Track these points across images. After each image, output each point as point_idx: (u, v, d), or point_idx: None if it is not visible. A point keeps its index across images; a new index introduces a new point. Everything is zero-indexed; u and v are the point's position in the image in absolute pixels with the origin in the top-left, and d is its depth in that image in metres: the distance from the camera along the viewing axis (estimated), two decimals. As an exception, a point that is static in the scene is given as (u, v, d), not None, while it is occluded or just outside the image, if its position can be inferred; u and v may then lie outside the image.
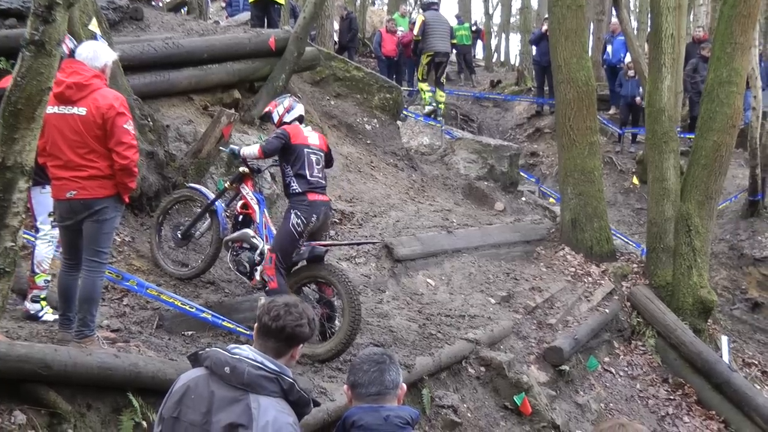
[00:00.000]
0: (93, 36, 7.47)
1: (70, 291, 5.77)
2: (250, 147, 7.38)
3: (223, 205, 7.76)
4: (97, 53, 5.71)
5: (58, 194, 5.58)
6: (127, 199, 5.83)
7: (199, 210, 7.78)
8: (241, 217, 7.46)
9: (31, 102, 3.89)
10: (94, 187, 5.51)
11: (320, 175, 7.18)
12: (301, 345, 3.25)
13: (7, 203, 3.93)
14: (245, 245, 7.32)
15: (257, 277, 7.17)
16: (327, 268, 7.07)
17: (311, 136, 7.25)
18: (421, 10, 18.27)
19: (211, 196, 7.66)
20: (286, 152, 7.02)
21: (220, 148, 8.60)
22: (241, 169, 7.49)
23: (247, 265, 7.24)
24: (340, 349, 6.87)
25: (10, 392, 4.81)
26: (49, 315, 6.31)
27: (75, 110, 5.46)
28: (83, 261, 5.65)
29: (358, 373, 3.20)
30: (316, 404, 3.30)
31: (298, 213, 6.92)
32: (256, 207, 7.37)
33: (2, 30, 9.26)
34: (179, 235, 7.73)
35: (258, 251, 7.21)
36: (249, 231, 7.31)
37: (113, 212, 5.67)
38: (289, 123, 7.25)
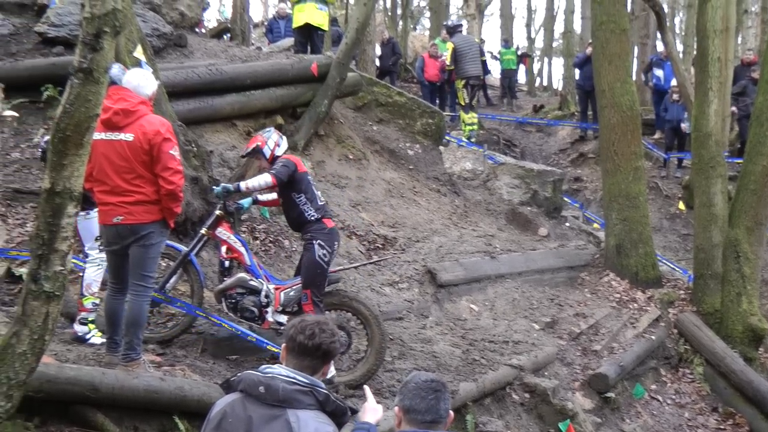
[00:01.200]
0: (138, 63, 7.58)
1: (116, 315, 5.82)
2: (255, 178, 6.87)
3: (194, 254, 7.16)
4: (146, 81, 5.81)
5: (105, 219, 5.65)
6: (172, 224, 5.89)
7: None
8: (227, 262, 7.01)
9: (80, 128, 3.95)
10: (140, 213, 5.57)
11: (323, 198, 7.12)
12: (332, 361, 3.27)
13: (56, 228, 3.98)
14: (240, 290, 6.88)
15: (270, 318, 6.87)
16: (347, 295, 7.09)
17: (304, 163, 7.06)
18: (447, 36, 18.24)
19: (181, 247, 7.11)
20: (295, 182, 6.79)
21: (213, 187, 7.84)
22: (217, 212, 6.97)
23: (255, 310, 6.83)
24: (374, 371, 7.01)
25: (59, 414, 4.89)
26: (96, 338, 6.40)
27: (122, 136, 5.53)
28: (129, 285, 5.71)
29: (416, 399, 3.17)
30: (354, 412, 3.29)
31: (322, 243, 6.72)
32: (241, 249, 6.95)
33: (50, 58, 9.49)
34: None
35: (263, 293, 6.85)
36: (244, 275, 6.90)
37: (159, 237, 5.73)
38: (281, 156, 6.97)
